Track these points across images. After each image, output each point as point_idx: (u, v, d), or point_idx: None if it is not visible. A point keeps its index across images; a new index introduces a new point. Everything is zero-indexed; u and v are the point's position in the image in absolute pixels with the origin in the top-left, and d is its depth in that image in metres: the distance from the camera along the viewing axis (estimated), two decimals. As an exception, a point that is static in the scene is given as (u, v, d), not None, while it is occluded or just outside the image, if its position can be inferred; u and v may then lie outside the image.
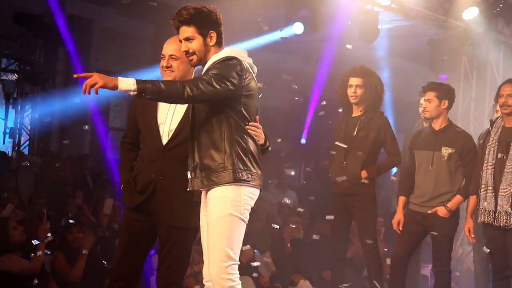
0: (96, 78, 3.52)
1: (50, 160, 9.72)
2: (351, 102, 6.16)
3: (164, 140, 4.19)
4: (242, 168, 3.77)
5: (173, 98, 3.69)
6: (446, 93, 5.90)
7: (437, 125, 5.93)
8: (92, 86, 3.51)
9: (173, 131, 4.18)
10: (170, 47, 4.20)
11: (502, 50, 10.51)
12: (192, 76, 4.29)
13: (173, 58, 4.18)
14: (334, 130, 6.33)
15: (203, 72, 3.89)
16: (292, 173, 11.40)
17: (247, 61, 3.89)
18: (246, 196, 3.80)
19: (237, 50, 3.91)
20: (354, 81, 6.13)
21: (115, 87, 3.54)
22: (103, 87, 3.53)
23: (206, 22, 3.87)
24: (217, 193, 3.77)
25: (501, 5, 9.71)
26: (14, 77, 10.43)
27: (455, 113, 9.50)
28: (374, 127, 6.10)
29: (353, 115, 6.21)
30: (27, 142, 10.92)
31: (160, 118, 4.22)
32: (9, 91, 10.30)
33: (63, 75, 11.17)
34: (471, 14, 9.38)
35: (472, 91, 10.46)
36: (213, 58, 3.86)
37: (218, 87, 3.70)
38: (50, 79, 10.37)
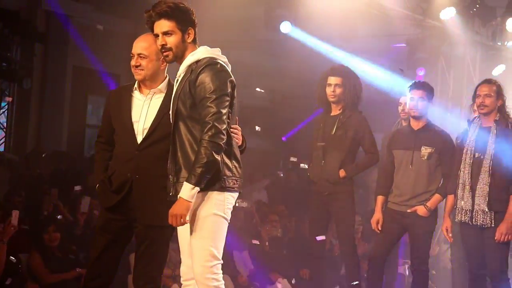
0: (177, 213, 3.70)
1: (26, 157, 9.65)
2: (330, 101, 6.18)
3: (139, 139, 4.18)
4: (228, 175, 3.79)
5: (214, 162, 3.69)
6: (432, 92, 5.96)
7: (417, 124, 5.96)
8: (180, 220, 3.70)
9: (147, 129, 4.18)
10: (138, 46, 4.20)
11: (479, 50, 10.61)
12: (165, 74, 4.28)
13: (141, 57, 4.18)
14: (313, 129, 6.35)
15: (181, 77, 3.86)
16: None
17: (222, 59, 3.89)
18: (229, 196, 3.83)
19: (212, 48, 3.91)
20: (333, 80, 6.15)
21: (188, 204, 3.69)
22: (185, 215, 3.70)
23: (185, 18, 3.87)
24: (201, 193, 3.77)
25: (477, 6, 9.79)
26: (-11, 73, 10.30)
27: (432, 112, 9.56)
28: (352, 126, 6.12)
29: (331, 114, 6.23)
30: (3, 139, 10.81)
31: (134, 117, 4.22)
32: (-15, 87, 10.19)
33: (40, 72, 11.07)
34: (448, 14, 9.46)
35: (449, 90, 10.54)
36: (190, 58, 3.86)
37: (225, 110, 3.74)
38: (27, 75, 10.25)
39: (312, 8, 8.56)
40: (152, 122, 4.17)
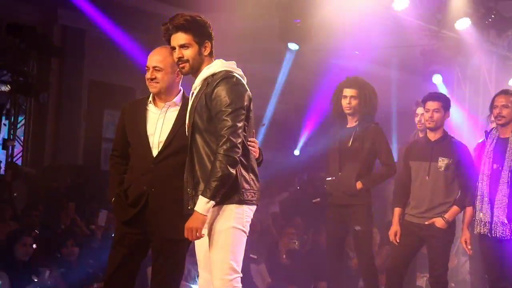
0: (193, 227, 3.70)
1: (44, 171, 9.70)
2: (346, 113, 6.16)
3: (154, 152, 4.18)
4: (246, 188, 3.79)
5: (229, 176, 3.70)
6: (448, 103, 5.93)
7: (433, 135, 5.93)
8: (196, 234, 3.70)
9: (163, 143, 4.18)
10: (153, 59, 4.20)
11: (494, 60, 10.56)
12: (179, 87, 4.28)
13: (157, 70, 4.18)
14: (329, 141, 6.34)
15: (196, 90, 3.87)
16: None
17: (238, 73, 3.90)
18: (247, 209, 3.83)
19: (227, 62, 3.92)
20: (348, 92, 6.13)
21: (203, 218, 3.69)
22: (200, 228, 3.70)
23: (202, 31, 3.87)
24: (220, 206, 3.77)
25: (492, 16, 9.75)
26: (7, 88, 10.39)
27: (449, 123, 9.52)
28: (368, 137, 6.10)
29: (347, 126, 6.20)
30: (21, 153, 10.87)
31: (150, 130, 4.22)
32: (2, 102, 10.26)
33: (57, 86, 11.14)
34: (463, 25, 9.42)
35: (465, 101, 10.50)
36: (205, 71, 3.86)
37: (241, 124, 3.74)
38: (43, 90, 10.32)
39: (327, 19, 8.56)
40: (168, 135, 4.18)
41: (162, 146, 4.17)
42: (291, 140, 13.23)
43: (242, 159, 3.78)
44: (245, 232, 3.83)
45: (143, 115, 4.26)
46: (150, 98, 4.29)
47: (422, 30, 9.67)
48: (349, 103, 6.10)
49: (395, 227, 5.97)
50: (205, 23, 3.89)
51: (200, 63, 3.87)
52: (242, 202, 3.78)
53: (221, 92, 3.75)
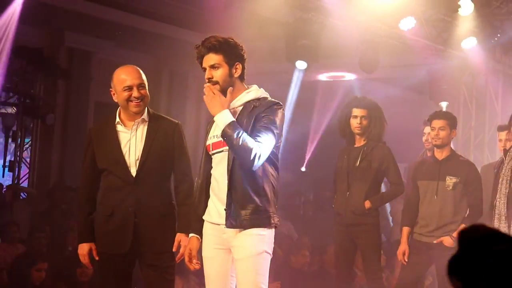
0: (214, 96, 3.67)
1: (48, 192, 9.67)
2: (355, 132, 6.14)
3: (133, 171, 4.18)
4: (274, 212, 3.79)
5: (241, 158, 3.65)
6: (455, 122, 5.92)
7: (441, 154, 5.91)
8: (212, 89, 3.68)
9: (139, 160, 4.17)
10: (134, 76, 4.27)
11: (501, 79, 10.54)
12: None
13: (142, 87, 4.25)
14: (337, 160, 6.32)
15: (236, 113, 3.83)
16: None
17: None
18: (273, 232, 3.84)
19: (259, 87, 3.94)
20: (358, 112, 6.10)
21: (213, 112, 3.68)
22: (213, 101, 3.67)
23: (233, 53, 3.81)
24: (254, 230, 3.75)
25: (498, 35, 9.75)
26: (13, 110, 10.42)
27: (456, 142, 9.51)
28: (376, 157, 6.08)
29: (355, 146, 6.18)
30: (27, 175, 10.88)
31: (124, 149, 4.20)
32: (9, 124, 10.29)
33: (63, 108, 11.17)
34: (469, 44, 9.42)
35: (471, 120, 10.48)
36: (246, 95, 3.83)
37: (272, 144, 3.72)
38: (50, 112, 10.35)
39: (333, 39, 8.59)
40: (142, 152, 4.18)
41: (139, 164, 4.17)
42: (299, 159, 13.21)
43: (274, 184, 3.80)
44: (271, 255, 3.83)
45: (115, 136, 4.24)
46: (118, 119, 4.28)
47: (428, 49, 9.69)
48: (359, 123, 6.07)
49: (403, 246, 5.94)
50: (237, 45, 3.83)
51: (230, 85, 3.80)
52: (271, 226, 3.78)
53: (272, 113, 3.74)
